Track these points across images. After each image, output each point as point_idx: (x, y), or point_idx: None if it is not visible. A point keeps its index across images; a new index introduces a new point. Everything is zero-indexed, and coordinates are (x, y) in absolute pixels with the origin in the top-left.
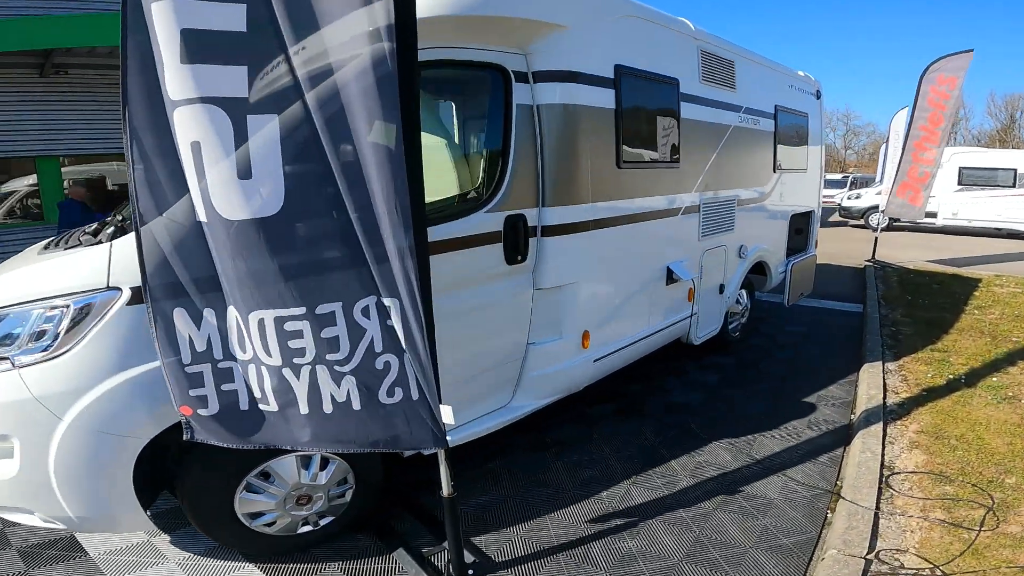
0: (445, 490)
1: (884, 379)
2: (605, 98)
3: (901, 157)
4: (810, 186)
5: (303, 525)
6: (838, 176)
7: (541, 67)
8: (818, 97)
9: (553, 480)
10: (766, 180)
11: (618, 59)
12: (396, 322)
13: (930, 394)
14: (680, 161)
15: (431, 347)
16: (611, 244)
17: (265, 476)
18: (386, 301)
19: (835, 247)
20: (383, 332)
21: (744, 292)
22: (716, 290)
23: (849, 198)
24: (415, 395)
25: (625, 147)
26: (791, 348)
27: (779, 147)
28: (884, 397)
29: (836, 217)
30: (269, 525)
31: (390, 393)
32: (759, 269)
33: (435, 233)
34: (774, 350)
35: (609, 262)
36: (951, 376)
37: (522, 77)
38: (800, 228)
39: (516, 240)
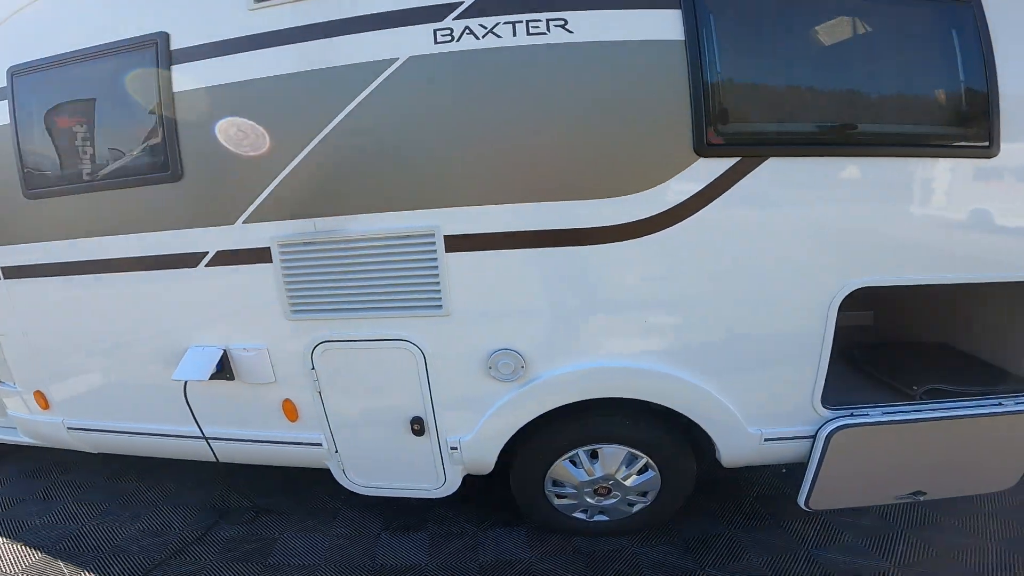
0: None
1: None
2: None
3: None
4: None
5: None
6: None
7: None
8: None
9: None
10: (634, 183)
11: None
12: None
13: None
14: (185, 171)
15: None
16: (45, 296)
17: None
18: None
19: None
20: None
21: (646, 459)
22: (398, 425)
23: None
24: None
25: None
26: None
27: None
28: None
29: None
30: None
31: None
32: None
33: None
34: None
35: (54, 319)
36: None
37: None
38: None
39: None
